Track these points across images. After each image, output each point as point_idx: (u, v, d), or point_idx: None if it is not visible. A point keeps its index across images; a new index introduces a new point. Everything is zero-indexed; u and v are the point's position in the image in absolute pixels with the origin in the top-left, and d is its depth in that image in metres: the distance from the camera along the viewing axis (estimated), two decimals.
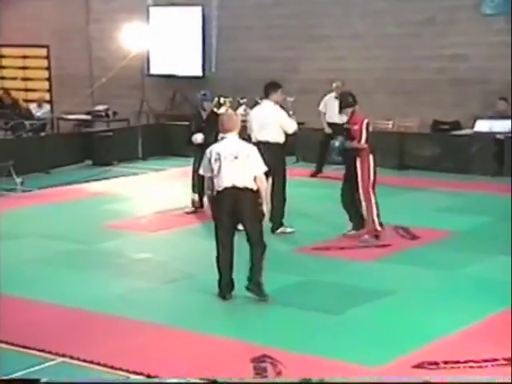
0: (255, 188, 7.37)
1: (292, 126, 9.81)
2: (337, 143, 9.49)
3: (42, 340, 6.46)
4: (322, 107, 13.90)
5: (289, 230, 9.87)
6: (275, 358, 5.97)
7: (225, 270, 7.53)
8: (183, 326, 6.78)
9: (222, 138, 7.58)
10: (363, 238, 9.27)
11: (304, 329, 6.75)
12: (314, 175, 13.76)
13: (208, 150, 7.55)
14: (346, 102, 9.38)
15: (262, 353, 6.07)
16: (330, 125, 13.49)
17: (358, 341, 6.44)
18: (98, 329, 6.83)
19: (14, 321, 6.92)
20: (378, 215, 9.29)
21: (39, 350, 6.26)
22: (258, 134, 9.78)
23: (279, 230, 9.79)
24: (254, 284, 7.41)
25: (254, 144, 9.34)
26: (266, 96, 9.88)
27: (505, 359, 5.93)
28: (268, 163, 9.49)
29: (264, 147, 9.46)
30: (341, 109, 9.48)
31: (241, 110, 16.83)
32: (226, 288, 7.51)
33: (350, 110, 9.35)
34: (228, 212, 7.36)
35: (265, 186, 7.60)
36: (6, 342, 6.42)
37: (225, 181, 7.31)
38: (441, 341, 6.38)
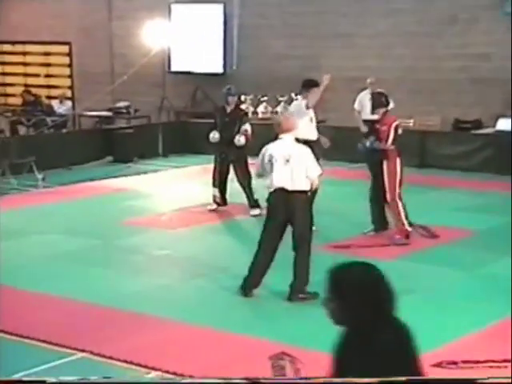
0: (307, 189, 7.34)
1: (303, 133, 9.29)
2: (368, 143, 9.41)
3: (62, 335, 6.52)
4: (356, 105, 13.65)
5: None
6: (293, 356, 5.99)
7: (256, 273, 7.46)
8: (202, 323, 6.81)
9: (277, 138, 7.53)
10: (396, 238, 9.22)
11: (322, 327, 6.72)
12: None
13: (264, 149, 7.52)
14: (379, 101, 9.26)
15: (280, 350, 6.09)
16: (367, 122, 13.39)
17: None
18: (118, 325, 6.87)
19: (36, 316, 6.98)
20: (406, 216, 9.26)
21: (60, 346, 6.33)
22: None
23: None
24: (300, 293, 7.30)
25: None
26: (300, 92, 9.86)
27: None
28: None
29: None
30: (373, 108, 9.37)
31: (261, 107, 16.85)
32: (250, 286, 7.48)
33: (382, 111, 9.23)
34: (278, 213, 7.30)
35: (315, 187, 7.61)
36: (28, 337, 6.49)
37: (276, 182, 7.30)
38: (460, 340, 6.37)
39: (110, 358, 6.08)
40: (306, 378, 5.69)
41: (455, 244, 9.29)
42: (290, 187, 7.23)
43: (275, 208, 7.34)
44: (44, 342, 6.41)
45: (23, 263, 8.49)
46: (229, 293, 7.68)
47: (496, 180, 13.11)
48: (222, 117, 10.96)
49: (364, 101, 13.58)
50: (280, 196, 7.26)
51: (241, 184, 10.89)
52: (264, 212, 10.27)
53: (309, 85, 9.75)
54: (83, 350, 6.22)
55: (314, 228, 9.75)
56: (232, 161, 10.88)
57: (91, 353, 6.17)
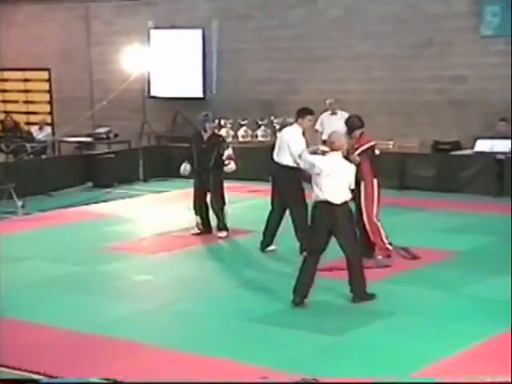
0: (348, 199, 7.96)
1: (295, 152, 9.59)
2: None
3: (42, 363, 6.46)
4: (318, 126, 14.00)
5: None
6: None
7: (303, 282, 7.91)
8: (184, 348, 6.77)
9: (324, 153, 8.20)
10: (378, 259, 9.23)
11: (305, 350, 6.74)
12: None
13: (317, 159, 8.11)
14: (354, 124, 9.27)
15: (262, 375, 6.06)
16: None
17: (358, 362, 6.43)
18: (99, 351, 6.82)
19: (15, 344, 6.90)
20: (386, 236, 9.29)
21: (39, 373, 6.25)
22: (276, 156, 9.93)
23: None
24: (357, 295, 7.90)
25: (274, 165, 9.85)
26: (296, 120, 9.93)
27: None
28: (282, 186, 9.68)
29: (280, 169, 9.79)
30: (350, 132, 9.31)
31: (241, 131, 16.90)
32: (301, 297, 7.89)
33: (358, 133, 9.24)
34: (324, 222, 7.85)
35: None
36: (7, 366, 6.41)
37: (321, 195, 7.85)
38: (441, 362, 6.37)
39: None
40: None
41: (436, 265, 9.31)
42: (334, 200, 7.81)
43: (320, 218, 7.88)
44: (24, 370, 6.34)
45: (3, 290, 8.41)
46: (211, 318, 7.65)
47: (476, 201, 13.18)
48: (198, 143, 10.98)
49: (325, 121, 13.83)
50: (324, 207, 7.83)
51: (213, 208, 10.90)
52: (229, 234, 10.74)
53: (304, 113, 9.80)
54: (63, 378, 6.15)
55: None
56: (207, 186, 10.89)
57: None
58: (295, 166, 9.60)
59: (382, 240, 9.24)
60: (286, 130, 10.12)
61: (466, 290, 8.36)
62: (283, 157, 9.77)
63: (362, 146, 9.20)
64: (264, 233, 10.03)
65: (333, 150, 7.99)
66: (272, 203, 10.05)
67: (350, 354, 6.63)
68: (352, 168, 8.13)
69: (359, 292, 7.97)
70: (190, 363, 6.49)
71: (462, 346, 6.68)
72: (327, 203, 7.81)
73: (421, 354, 6.55)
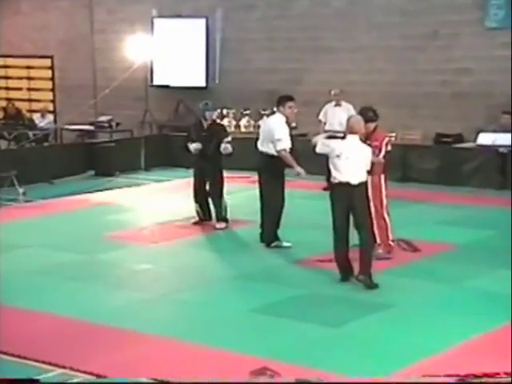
0: (365, 180, 8.29)
1: (275, 144, 9.54)
2: None
3: (41, 351, 6.45)
4: (321, 116, 13.91)
5: (285, 244, 9.79)
6: (275, 371, 5.96)
7: (341, 259, 8.33)
8: (184, 338, 6.76)
9: (344, 137, 8.45)
10: (378, 252, 9.16)
11: (304, 341, 6.73)
12: (327, 189, 13.52)
13: (334, 143, 8.42)
14: (368, 117, 8.99)
15: (262, 365, 6.06)
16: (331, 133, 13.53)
17: (357, 354, 6.43)
18: (98, 340, 6.81)
19: (14, 331, 6.90)
20: (391, 232, 9.24)
21: (38, 361, 6.25)
22: (260, 145, 9.85)
23: (273, 244, 9.79)
24: (364, 275, 8.08)
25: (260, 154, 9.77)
26: (277, 109, 9.85)
27: (506, 373, 5.90)
28: (265, 175, 9.55)
29: (264, 159, 9.69)
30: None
31: (244, 121, 16.87)
32: (345, 275, 8.31)
33: (372, 126, 9.07)
34: (342, 204, 8.18)
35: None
36: (6, 353, 6.41)
37: (340, 176, 8.16)
38: (441, 354, 6.36)
39: (90, 373, 6.02)
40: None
41: (437, 258, 9.30)
42: (352, 181, 8.13)
43: (339, 199, 8.21)
44: (23, 357, 6.34)
45: (3, 277, 8.41)
46: (209, 307, 7.64)
47: (478, 194, 13.16)
48: (198, 131, 10.93)
49: (329, 112, 13.74)
50: (342, 189, 8.14)
51: (212, 198, 10.87)
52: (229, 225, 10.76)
53: (284, 100, 9.71)
54: (63, 366, 6.15)
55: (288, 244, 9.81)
56: (207, 174, 10.86)
57: (71, 369, 6.10)
58: (277, 154, 9.59)
59: (386, 235, 9.20)
60: (268, 119, 10.09)
61: (466, 283, 8.35)
62: (267, 146, 9.71)
63: (376, 140, 9.03)
64: (261, 225, 9.97)
65: (351, 133, 8.27)
66: (261, 195, 9.96)
67: (349, 346, 6.62)
68: (369, 150, 8.41)
69: (366, 275, 8.10)
70: (190, 353, 6.48)
71: (462, 339, 6.66)
72: (346, 185, 8.11)
73: (420, 346, 6.54)
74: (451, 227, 10.83)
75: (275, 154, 9.62)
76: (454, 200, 12.74)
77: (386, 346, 6.57)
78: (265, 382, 5.82)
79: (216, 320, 7.32)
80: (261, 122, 16.23)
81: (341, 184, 8.16)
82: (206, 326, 7.17)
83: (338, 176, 8.17)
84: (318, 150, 8.59)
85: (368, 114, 9.10)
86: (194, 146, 10.83)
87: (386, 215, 9.17)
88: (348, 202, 8.16)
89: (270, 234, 9.76)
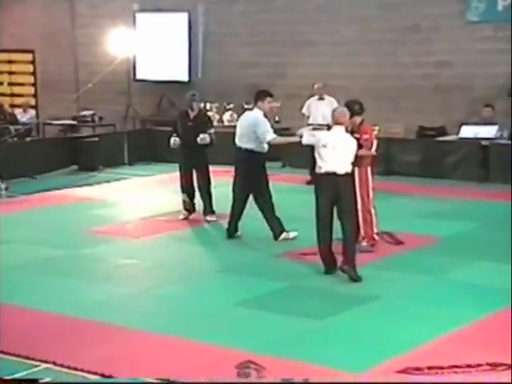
0: (350, 172, 8.31)
1: (263, 137, 9.52)
2: None
3: (25, 346, 6.43)
4: (305, 110, 13.95)
5: (292, 234, 9.80)
6: (259, 364, 5.97)
7: (325, 251, 8.37)
8: (168, 332, 6.77)
9: (329, 128, 8.60)
10: (362, 245, 9.17)
11: (288, 334, 6.76)
12: (310, 183, 13.56)
13: (321, 134, 8.60)
14: (354, 110, 8.93)
15: (247, 358, 6.08)
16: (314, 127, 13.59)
17: (342, 346, 6.45)
18: (83, 335, 6.81)
19: None
20: (376, 225, 9.28)
21: (22, 357, 6.23)
22: (238, 141, 9.80)
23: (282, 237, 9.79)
24: (349, 266, 8.09)
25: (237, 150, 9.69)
26: (255, 103, 9.83)
27: (488, 364, 5.95)
28: (247, 172, 9.54)
29: (244, 154, 9.64)
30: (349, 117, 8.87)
31: (227, 115, 16.86)
32: (328, 267, 8.36)
33: (358, 119, 9.05)
34: (327, 194, 8.21)
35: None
36: None
37: (326, 166, 8.20)
38: (425, 346, 6.39)
39: (75, 368, 6.01)
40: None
41: (420, 250, 9.34)
42: (338, 170, 8.17)
43: (324, 189, 8.24)
44: (6, 353, 6.32)
45: None
46: (193, 301, 7.65)
47: (460, 187, 13.23)
48: (184, 122, 10.92)
49: (313, 105, 13.78)
50: (328, 178, 8.18)
51: (200, 189, 10.89)
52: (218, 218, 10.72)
53: (263, 95, 9.71)
54: (46, 361, 6.14)
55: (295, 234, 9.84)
56: (193, 166, 10.87)
57: (54, 364, 6.09)
58: (259, 150, 9.61)
59: (371, 229, 9.23)
60: (247, 115, 9.95)
61: (450, 274, 8.40)
62: (247, 142, 9.64)
63: (365, 133, 9.01)
64: (229, 222, 9.93)
65: (337, 124, 8.34)
66: (233, 191, 9.91)
67: (333, 338, 6.65)
68: (354, 142, 8.44)
69: (351, 266, 8.11)
70: (175, 347, 6.49)
71: (446, 331, 6.71)
72: (332, 174, 8.15)
73: (405, 338, 6.57)
74: (434, 220, 10.89)
75: (256, 148, 9.59)
76: (436, 193, 12.81)
77: (371, 339, 6.60)
78: (253, 382, 5.83)
79: (200, 314, 7.33)
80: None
81: (327, 174, 8.20)
82: (190, 319, 7.17)
83: (324, 166, 8.21)
84: (305, 141, 8.61)
85: (354, 107, 9.05)
86: (173, 140, 10.85)
87: (371, 208, 9.20)
88: (333, 192, 8.18)
89: (272, 228, 9.74)
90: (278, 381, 5.74)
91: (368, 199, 9.14)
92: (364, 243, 9.22)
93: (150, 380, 5.82)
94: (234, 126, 10.25)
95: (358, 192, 9.02)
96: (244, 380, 5.81)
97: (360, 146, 8.83)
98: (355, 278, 8.08)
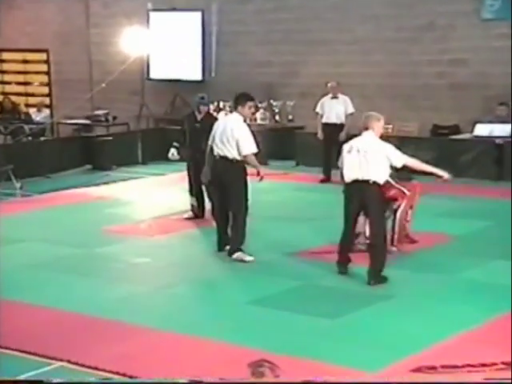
0: (380, 181, 7.99)
1: (245, 149, 8.79)
2: None
3: (40, 344, 6.46)
4: (318, 108, 13.92)
5: (248, 258, 8.86)
6: (273, 363, 5.97)
7: (344, 251, 8.29)
8: (181, 331, 6.78)
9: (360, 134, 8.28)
10: (392, 249, 9.08)
11: (302, 333, 6.75)
12: (324, 181, 13.54)
13: (349, 142, 8.29)
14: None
15: (260, 357, 6.07)
16: (328, 125, 13.58)
17: (355, 345, 6.44)
18: (97, 333, 6.83)
19: (14, 326, 6.91)
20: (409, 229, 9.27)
21: (38, 355, 6.26)
22: (216, 148, 9.05)
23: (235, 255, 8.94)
24: (374, 272, 7.93)
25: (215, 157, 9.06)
26: (235, 108, 9.16)
27: (503, 363, 5.92)
28: (226, 181, 8.93)
29: (224, 164, 8.98)
30: None
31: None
32: (342, 267, 8.28)
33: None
34: (354, 204, 8.04)
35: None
36: (6, 347, 6.41)
37: (349, 173, 8.04)
38: (439, 345, 6.38)
39: (89, 367, 6.03)
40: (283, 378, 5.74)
41: (435, 249, 9.31)
42: (363, 177, 7.93)
43: (351, 199, 8.06)
44: (22, 351, 6.34)
45: (1, 272, 8.41)
46: (207, 300, 7.66)
47: (474, 185, 13.17)
48: (191, 123, 10.94)
49: (326, 104, 13.76)
50: (354, 186, 7.97)
51: (207, 192, 10.79)
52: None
53: (244, 99, 9.08)
54: (61, 360, 6.16)
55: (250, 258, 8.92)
56: (201, 167, 10.81)
57: (69, 362, 6.12)
58: (240, 158, 8.84)
59: (406, 231, 9.23)
60: (226, 120, 9.25)
61: (463, 273, 8.36)
62: (227, 150, 8.87)
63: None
64: (218, 231, 9.30)
65: (366, 129, 8.16)
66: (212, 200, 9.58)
67: (347, 337, 6.63)
68: (385, 146, 8.17)
69: (376, 273, 7.96)
70: (187, 346, 6.50)
71: (460, 330, 6.68)
72: (358, 182, 7.94)
73: (420, 336, 6.56)
74: (448, 218, 10.84)
75: (237, 157, 8.84)
76: (450, 191, 12.72)
77: (384, 337, 6.58)
78: (271, 382, 5.82)
79: (213, 312, 7.33)
80: (258, 115, 16.30)
81: (353, 182, 8.00)
82: (203, 318, 7.18)
83: (348, 173, 8.05)
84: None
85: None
86: (171, 152, 11.15)
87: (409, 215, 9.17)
88: (360, 202, 7.99)
89: (231, 243, 8.99)
90: (297, 381, 5.72)
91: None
92: (394, 248, 9.12)
93: (181, 380, 5.80)
94: (248, 125, 9.83)
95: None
96: (264, 380, 5.80)
97: None
98: (382, 281, 7.95)
